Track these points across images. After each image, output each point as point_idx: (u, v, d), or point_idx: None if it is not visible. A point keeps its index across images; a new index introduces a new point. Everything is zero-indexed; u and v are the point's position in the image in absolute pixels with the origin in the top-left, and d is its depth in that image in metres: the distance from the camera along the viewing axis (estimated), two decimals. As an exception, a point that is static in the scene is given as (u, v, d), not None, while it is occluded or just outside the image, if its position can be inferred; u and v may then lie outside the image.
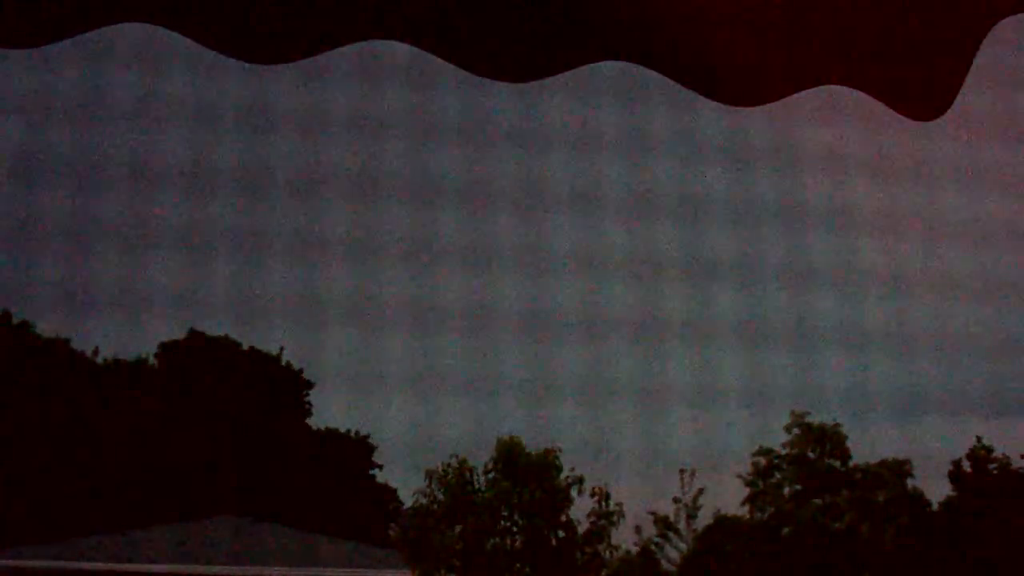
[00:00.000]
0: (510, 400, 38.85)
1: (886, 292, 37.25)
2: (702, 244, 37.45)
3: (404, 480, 43.28)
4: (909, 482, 36.40)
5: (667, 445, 37.94)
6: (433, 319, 39.53)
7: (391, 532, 38.05)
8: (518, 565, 29.25)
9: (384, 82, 38.10)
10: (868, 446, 37.10)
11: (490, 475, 29.87)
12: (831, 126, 33.98)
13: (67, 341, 42.69)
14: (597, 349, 39.03)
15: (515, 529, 29.62)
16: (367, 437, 45.26)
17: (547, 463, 29.94)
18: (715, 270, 37.35)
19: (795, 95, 2.69)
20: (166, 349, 44.13)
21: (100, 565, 29.70)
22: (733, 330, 37.78)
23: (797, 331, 37.05)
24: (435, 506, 29.50)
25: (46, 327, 42.57)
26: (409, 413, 42.11)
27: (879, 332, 37.80)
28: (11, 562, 29.61)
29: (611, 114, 37.15)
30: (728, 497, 36.69)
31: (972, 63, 2.75)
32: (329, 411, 46.30)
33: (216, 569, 29.91)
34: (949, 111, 2.75)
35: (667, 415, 38.63)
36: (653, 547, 34.21)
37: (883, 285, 37.38)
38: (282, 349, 45.05)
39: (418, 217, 39.50)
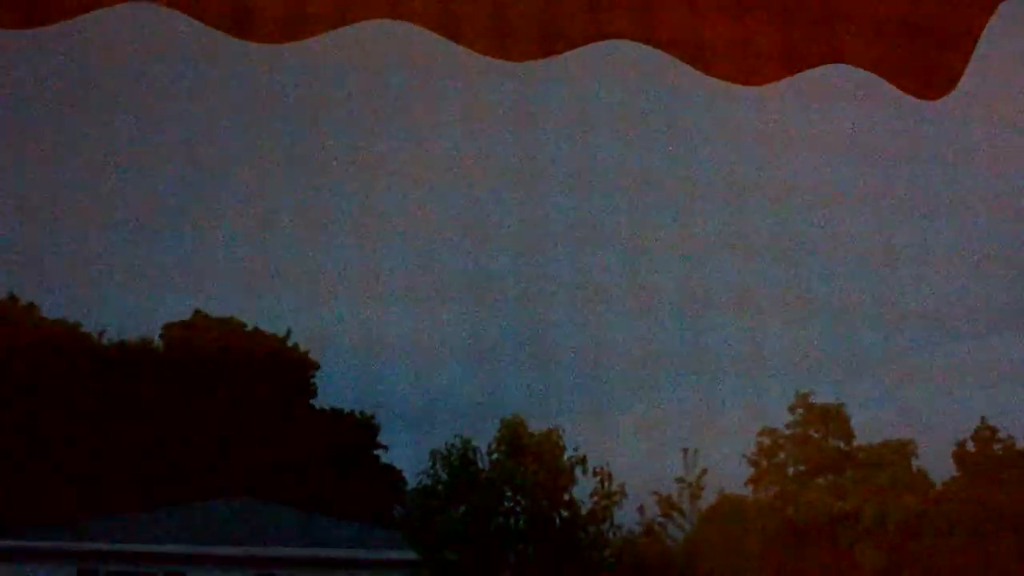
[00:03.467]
0: (513, 378, 38.98)
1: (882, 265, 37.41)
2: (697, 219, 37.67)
3: (408, 453, 43.27)
4: (913, 462, 36.44)
5: (671, 422, 38.00)
6: (435, 291, 39.73)
7: (395, 513, 38.12)
8: (521, 545, 29.29)
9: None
10: (872, 425, 37.15)
11: (494, 455, 29.90)
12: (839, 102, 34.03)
13: (73, 323, 42.75)
14: (601, 326, 39.12)
15: (518, 509, 29.66)
16: (372, 417, 45.28)
17: (550, 443, 29.97)
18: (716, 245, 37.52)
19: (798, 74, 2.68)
20: (171, 330, 44.16)
21: (106, 546, 29.77)
22: (736, 307, 37.91)
23: (797, 306, 37.14)
24: (439, 487, 29.54)
25: (52, 308, 42.63)
26: (414, 392, 42.21)
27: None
28: (19, 543, 29.68)
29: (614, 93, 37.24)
30: (732, 477, 36.74)
31: (977, 42, 2.74)
32: (334, 391, 46.25)
33: (221, 550, 29.97)
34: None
35: (670, 393, 38.70)
36: (656, 527, 34.25)
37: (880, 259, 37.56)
38: (289, 331, 45.09)
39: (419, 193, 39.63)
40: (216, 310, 44.08)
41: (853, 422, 37.13)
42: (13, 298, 42.63)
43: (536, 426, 30.27)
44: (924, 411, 37.27)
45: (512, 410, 30.80)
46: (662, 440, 36.33)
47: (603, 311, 38.30)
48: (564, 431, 30.34)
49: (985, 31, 2.74)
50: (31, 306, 42.66)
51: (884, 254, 37.16)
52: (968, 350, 40.18)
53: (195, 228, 41.09)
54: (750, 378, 38.00)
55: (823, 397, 37.28)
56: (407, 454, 42.66)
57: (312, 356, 45.23)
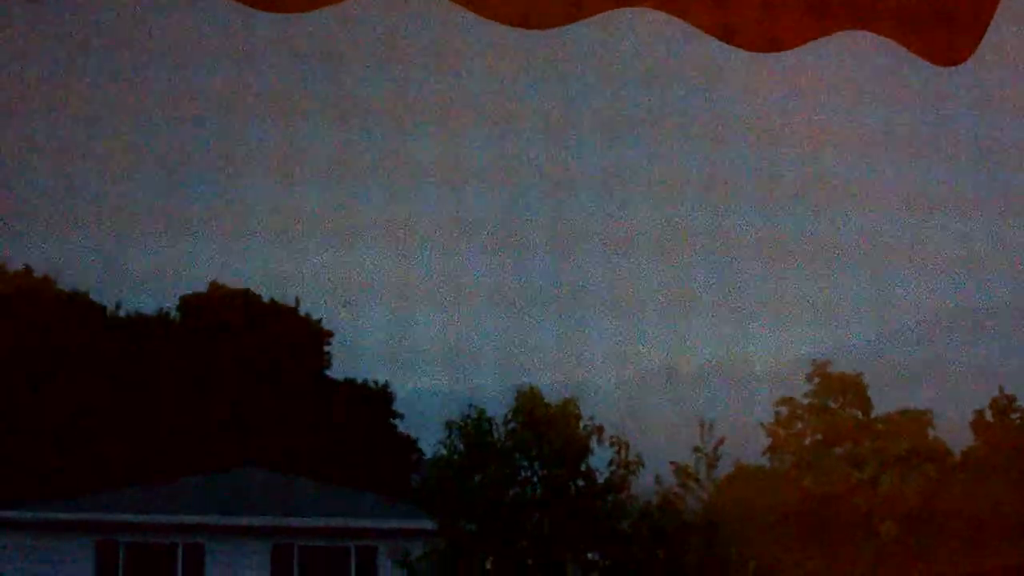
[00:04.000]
0: (541, 325, 39.36)
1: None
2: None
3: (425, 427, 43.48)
4: (930, 432, 36.40)
5: (688, 393, 38.11)
6: (460, 236, 39.80)
7: (412, 482, 38.23)
8: (538, 515, 29.34)
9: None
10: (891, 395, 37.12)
11: (510, 425, 29.92)
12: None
13: (88, 295, 42.87)
14: (630, 271, 39.27)
15: (535, 479, 29.69)
16: (387, 386, 45.37)
17: (566, 412, 29.97)
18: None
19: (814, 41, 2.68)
20: (187, 302, 44.28)
21: (123, 517, 29.91)
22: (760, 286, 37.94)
23: (823, 253, 37.33)
24: (455, 456, 29.58)
25: (67, 281, 42.73)
26: (433, 361, 42.44)
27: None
28: (37, 515, 29.84)
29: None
30: (749, 447, 36.75)
31: (996, 9, 2.73)
32: (349, 362, 46.32)
33: (238, 520, 30.10)
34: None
35: (699, 340, 38.87)
36: (673, 496, 34.27)
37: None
38: (298, 300, 45.18)
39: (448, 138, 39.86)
40: (245, 261, 44.19)
41: (870, 384, 37.09)
42: (28, 270, 42.75)
43: (561, 381, 30.34)
44: (942, 372, 37.36)
45: (539, 356, 30.87)
46: (684, 398, 36.48)
47: (632, 256, 38.61)
48: (581, 400, 30.36)
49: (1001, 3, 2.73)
50: (46, 278, 42.79)
51: (910, 207, 37.38)
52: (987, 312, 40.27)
53: (225, 177, 41.42)
54: (776, 324, 38.24)
55: (851, 342, 37.29)
56: (434, 403, 42.64)
57: (327, 323, 45.35)
